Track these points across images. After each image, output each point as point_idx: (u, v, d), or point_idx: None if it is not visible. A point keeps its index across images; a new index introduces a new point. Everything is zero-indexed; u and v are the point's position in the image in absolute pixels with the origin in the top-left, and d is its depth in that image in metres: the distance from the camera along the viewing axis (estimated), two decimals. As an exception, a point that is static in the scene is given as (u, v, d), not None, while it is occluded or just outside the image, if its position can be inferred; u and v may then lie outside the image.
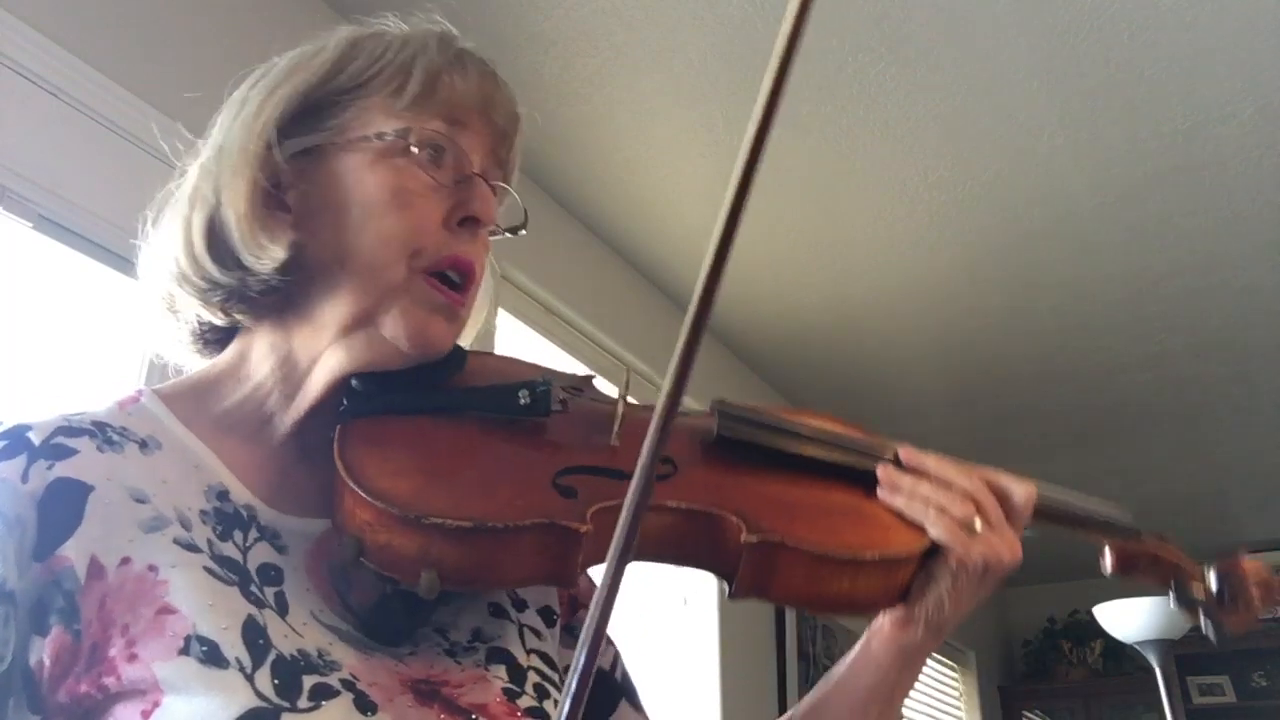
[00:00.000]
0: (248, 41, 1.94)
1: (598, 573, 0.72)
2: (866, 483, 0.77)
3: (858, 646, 0.79)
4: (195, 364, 0.75)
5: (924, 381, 3.82)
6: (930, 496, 0.74)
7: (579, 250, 2.95)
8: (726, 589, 0.69)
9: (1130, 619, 2.91)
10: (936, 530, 0.72)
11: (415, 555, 0.59)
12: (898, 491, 0.75)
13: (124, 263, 1.67)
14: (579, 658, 0.38)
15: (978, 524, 0.73)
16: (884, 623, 0.76)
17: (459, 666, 0.63)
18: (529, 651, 0.69)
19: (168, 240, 0.70)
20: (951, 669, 5.29)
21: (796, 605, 0.70)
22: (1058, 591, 5.50)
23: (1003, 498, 0.77)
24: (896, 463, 0.78)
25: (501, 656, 0.66)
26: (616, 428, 0.71)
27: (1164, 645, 2.92)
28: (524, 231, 0.76)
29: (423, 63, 0.70)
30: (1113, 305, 3.26)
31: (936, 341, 3.54)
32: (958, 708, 5.27)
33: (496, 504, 0.60)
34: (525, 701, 0.63)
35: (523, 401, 0.69)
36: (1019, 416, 4.03)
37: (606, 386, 0.83)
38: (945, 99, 2.41)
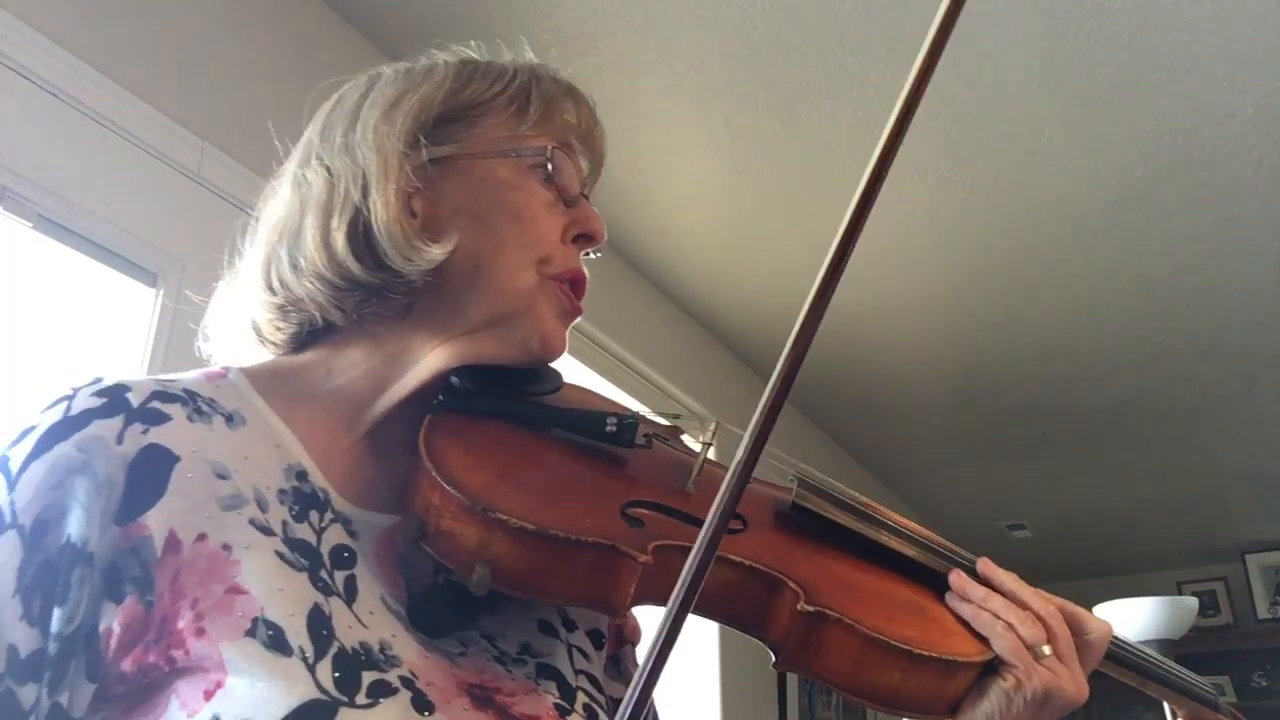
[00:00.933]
0: (248, 43, 1.94)
1: (641, 613, 0.72)
2: (937, 585, 0.76)
3: None
4: (258, 359, 0.74)
5: (924, 381, 3.82)
6: (1000, 611, 0.73)
7: (579, 250, 2.95)
8: (772, 659, 0.68)
9: (1131, 619, 2.91)
10: (1001, 645, 0.70)
11: (474, 547, 0.59)
12: (968, 599, 0.74)
13: (124, 263, 1.67)
14: (633, 691, 0.39)
15: (1046, 649, 0.72)
16: None
17: (509, 675, 0.63)
18: (577, 672, 0.69)
19: (295, 239, 0.70)
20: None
21: (842, 689, 0.68)
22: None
23: (1077, 630, 0.76)
24: (972, 572, 0.77)
25: (551, 673, 0.66)
26: (694, 475, 0.73)
27: (1164, 645, 2.92)
28: (599, 253, 0.79)
29: (539, 90, 0.74)
30: (1113, 305, 3.26)
31: (937, 341, 3.54)
32: (958, 708, 5.26)
33: (564, 516, 0.61)
34: None
35: (609, 429, 0.71)
36: (1019, 416, 4.03)
37: (620, 396, 0.83)
38: (945, 99, 2.41)
